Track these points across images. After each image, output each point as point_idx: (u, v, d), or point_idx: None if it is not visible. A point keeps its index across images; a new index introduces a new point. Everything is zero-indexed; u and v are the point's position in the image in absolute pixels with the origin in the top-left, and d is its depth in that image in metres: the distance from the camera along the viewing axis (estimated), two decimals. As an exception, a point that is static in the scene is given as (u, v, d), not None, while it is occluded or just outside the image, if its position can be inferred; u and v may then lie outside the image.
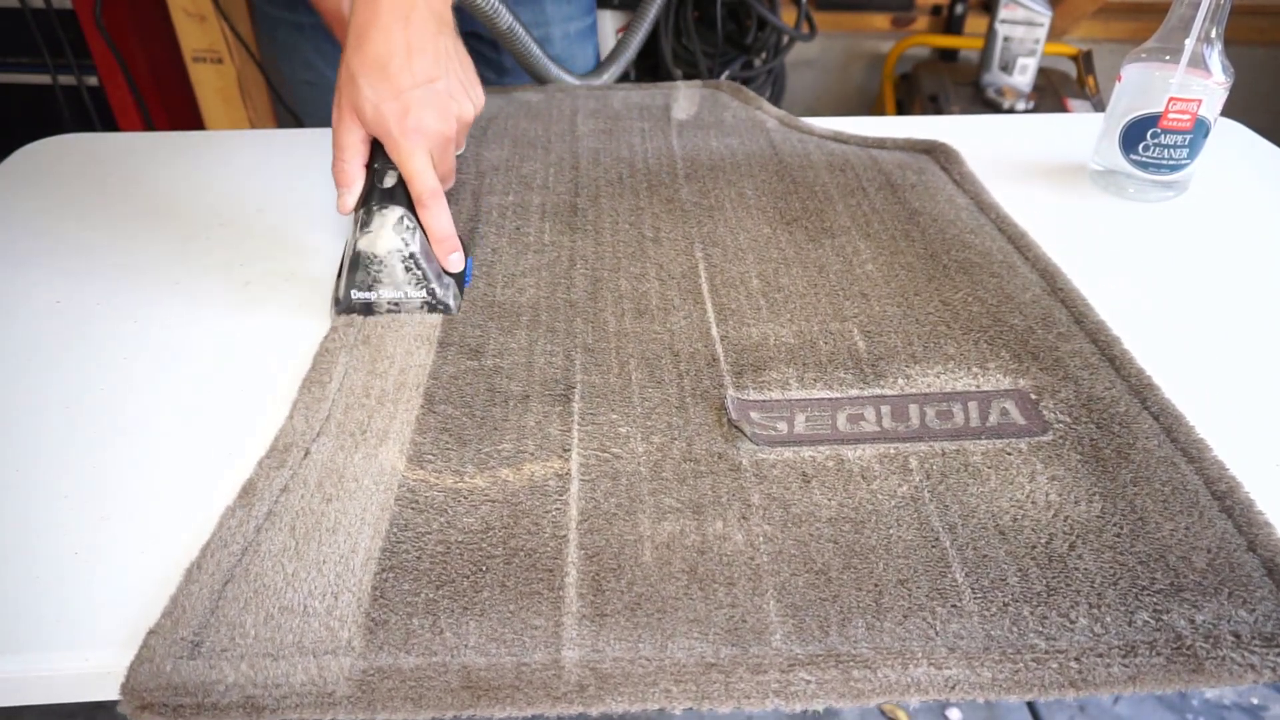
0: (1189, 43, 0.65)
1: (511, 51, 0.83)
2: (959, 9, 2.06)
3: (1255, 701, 1.27)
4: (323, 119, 0.89)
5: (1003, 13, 1.82)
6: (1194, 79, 0.66)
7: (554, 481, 0.45)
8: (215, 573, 0.40)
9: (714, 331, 0.56)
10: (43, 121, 1.70)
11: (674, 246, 0.64)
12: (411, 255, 0.55)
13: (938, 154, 0.76)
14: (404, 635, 0.38)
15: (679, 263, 0.62)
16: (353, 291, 0.55)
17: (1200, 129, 0.68)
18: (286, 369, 0.53)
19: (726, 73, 1.88)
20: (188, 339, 0.57)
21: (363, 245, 0.55)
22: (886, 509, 0.43)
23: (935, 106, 1.92)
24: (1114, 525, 0.42)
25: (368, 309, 0.56)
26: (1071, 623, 0.38)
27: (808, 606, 0.39)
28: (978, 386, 0.51)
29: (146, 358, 0.55)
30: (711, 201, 0.69)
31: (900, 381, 0.51)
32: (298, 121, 1.01)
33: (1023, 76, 1.86)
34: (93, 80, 1.66)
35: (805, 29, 1.86)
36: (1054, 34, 1.96)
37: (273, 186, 0.74)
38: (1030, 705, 1.23)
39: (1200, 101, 0.67)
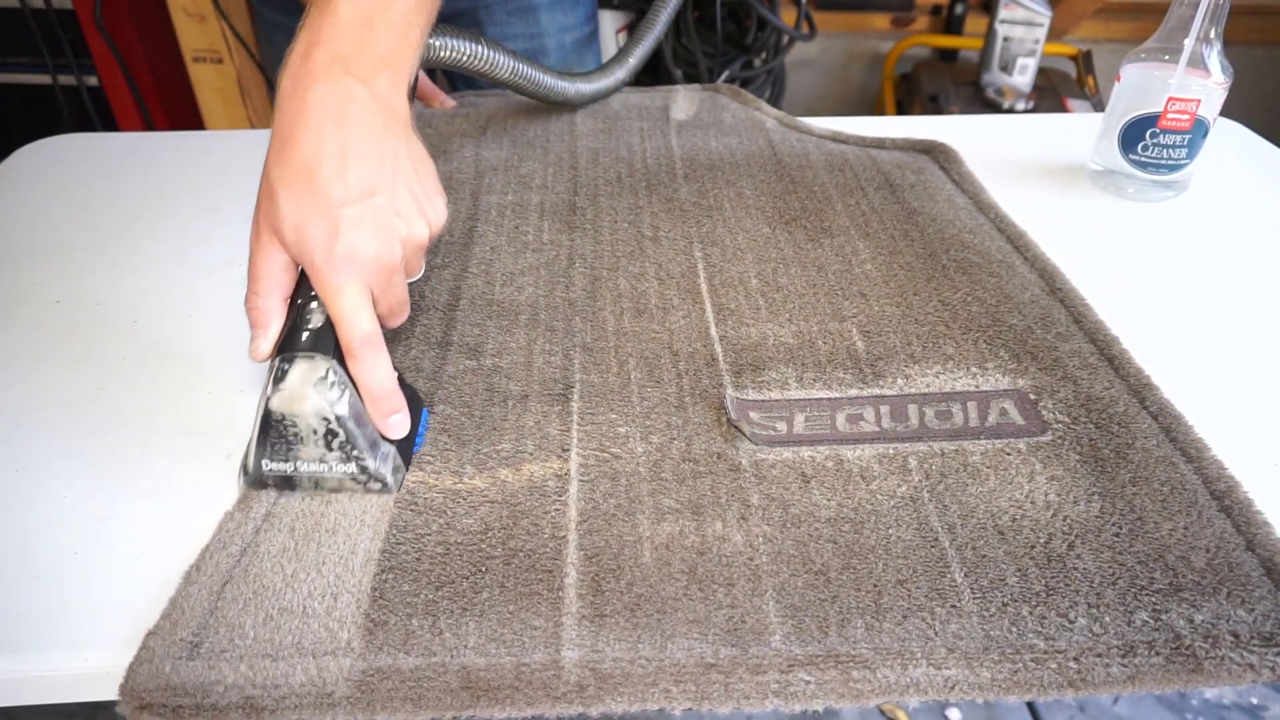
0: (1188, 43, 0.65)
1: (519, 92, 0.76)
2: (959, 9, 2.06)
3: (1255, 701, 1.27)
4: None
5: (1003, 13, 1.82)
6: (1193, 79, 0.66)
7: (553, 482, 0.45)
8: (214, 574, 0.40)
9: (713, 331, 0.56)
10: (43, 121, 1.71)
11: (673, 246, 0.64)
12: (338, 419, 0.43)
13: (936, 154, 0.76)
14: (403, 636, 0.38)
15: (678, 262, 0.62)
16: (264, 462, 0.44)
17: (1199, 129, 0.68)
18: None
19: (726, 73, 1.88)
20: (188, 339, 0.57)
21: (276, 404, 0.43)
22: (886, 509, 0.43)
23: (935, 106, 1.92)
24: (1112, 525, 0.42)
25: (285, 483, 0.45)
26: (1070, 623, 0.38)
27: (807, 607, 0.39)
28: (977, 386, 0.51)
29: (146, 358, 0.55)
30: (710, 201, 0.69)
31: (899, 381, 0.51)
32: None
33: (1023, 76, 1.87)
34: (93, 80, 1.66)
35: (805, 29, 1.86)
36: (1054, 34, 1.96)
37: (272, 186, 0.74)
38: (1030, 705, 1.23)
39: (1199, 101, 0.67)
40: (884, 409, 0.49)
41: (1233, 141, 0.83)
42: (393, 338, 0.54)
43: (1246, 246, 0.67)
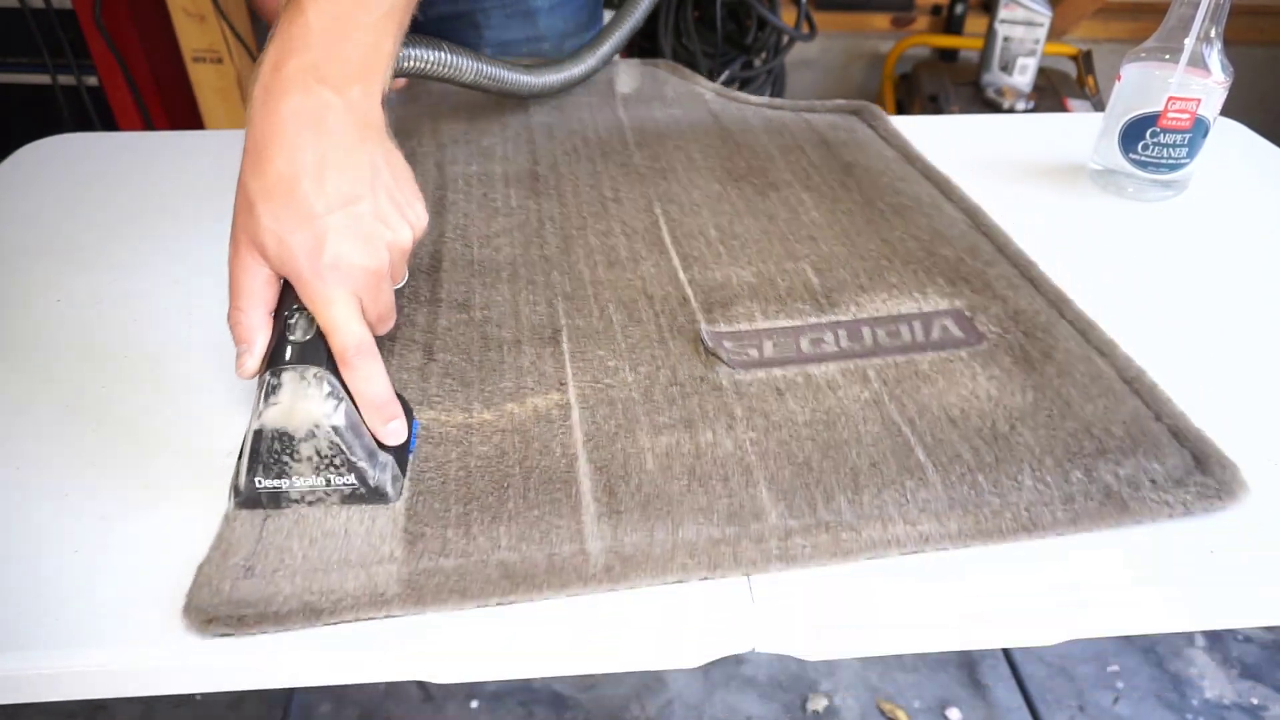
0: (1188, 42, 0.65)
1: (486, 92, 0.76)
2: (959, 9, 2.06)
3: (1255, 702, 1.26)
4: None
5: (1003, 13, 1.82)
6: (1193, 78, 0.67)
7: (556, 411, 0.50)
8: (252, 514, 0.44)
9: (681, 276, 0.61)
10: (43, 121, 1.66)
11: (634, 205, 0.69)
12: (335, 430, 0.42)
13: (864, 114, 0.83)
14: (441, 544, 0.42)
15: (640, 219, 0.67)
16: (256, 480, 0.43)
17: (1199, 128, 0.69)
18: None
19: (726, 73, 1.86)
20: (187, 338, 0.57)
21: (268, 420, 0.42)
22: (853, 411, 0.49)
23: (935, 106, 1.91)
24: (1045, 409, 0.49)
25: (276, 500, 0.44)
26: (1019, 483, 0.44)
27: (795, 491, 0.44)
28: (919, 309, 0.57)
29: (146, 357, 0.55)
30: (663, 165, 0.75)
31: (852, 309, 0.57)
32: None
33: (1023, 76, 1.86)
34: (92, 80, 1.64)
35: (805, 29, 1.86)
36: (1054, 34, 1.94)
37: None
38: (1030, 705, 1.22)
39: (1199, 101, 0.67)
40: (841, 332, 0.55)
41: (1233, 141, 0.83)
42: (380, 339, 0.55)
43: (1246, 246, 0.67)
